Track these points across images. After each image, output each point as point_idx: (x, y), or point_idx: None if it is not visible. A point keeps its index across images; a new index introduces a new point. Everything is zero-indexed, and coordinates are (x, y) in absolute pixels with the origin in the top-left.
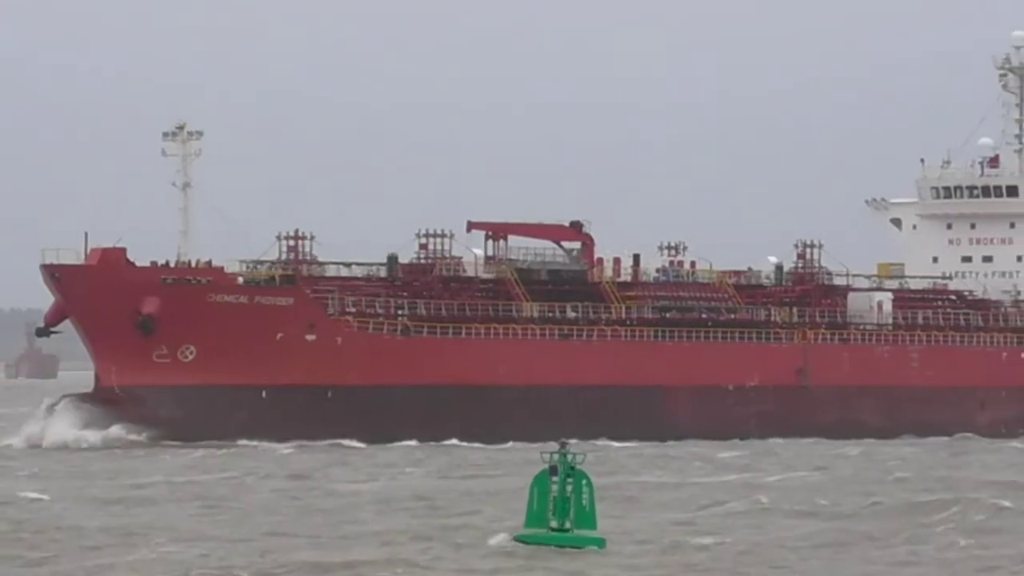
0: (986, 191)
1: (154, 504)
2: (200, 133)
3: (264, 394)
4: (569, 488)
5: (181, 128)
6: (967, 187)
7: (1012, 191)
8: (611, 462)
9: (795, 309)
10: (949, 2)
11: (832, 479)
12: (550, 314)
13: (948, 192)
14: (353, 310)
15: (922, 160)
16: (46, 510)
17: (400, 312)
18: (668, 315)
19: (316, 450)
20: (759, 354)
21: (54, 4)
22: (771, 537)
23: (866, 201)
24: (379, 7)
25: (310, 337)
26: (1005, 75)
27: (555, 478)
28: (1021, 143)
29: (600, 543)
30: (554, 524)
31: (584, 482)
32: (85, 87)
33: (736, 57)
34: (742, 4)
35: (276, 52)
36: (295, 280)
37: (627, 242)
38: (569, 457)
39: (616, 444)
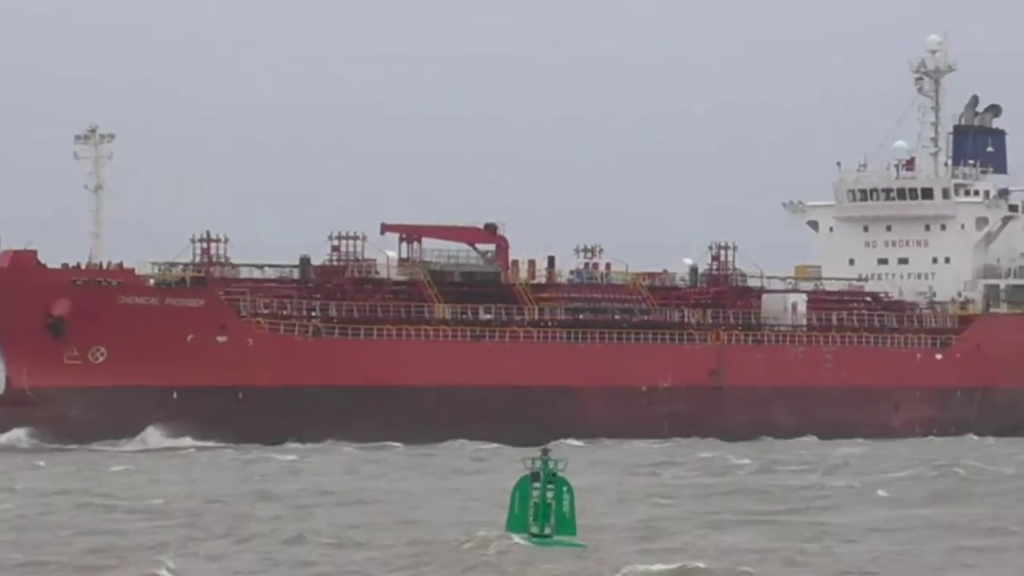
0: (901, 193)
1: None
2: (112, 136)
3: (175, 395)
4: (550, 495)
5: (93, 131)
6: (883, 190)
7: (927, 193)
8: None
9: (709, 311)
10: (864, 6)
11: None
12: (463, 315)
13: (864, 195)
14: (265, 312)
15: (838, 163)
16: None
17: (312, 314)
18: (581, 316)
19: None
20: (673, 355)
21: None
22: None
23: (784, 204)
24: (297, 5)
25: (221, 339)
26: (921, 79)
27: (536, 484)
28: (936, 146)
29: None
30: (535, 530)
31: (565, 488)
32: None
33: (656, 64)
34: (662, 20)
35: (188, 54)
36: (206, 282)
37: (543, 244)
38: (551, 464)
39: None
